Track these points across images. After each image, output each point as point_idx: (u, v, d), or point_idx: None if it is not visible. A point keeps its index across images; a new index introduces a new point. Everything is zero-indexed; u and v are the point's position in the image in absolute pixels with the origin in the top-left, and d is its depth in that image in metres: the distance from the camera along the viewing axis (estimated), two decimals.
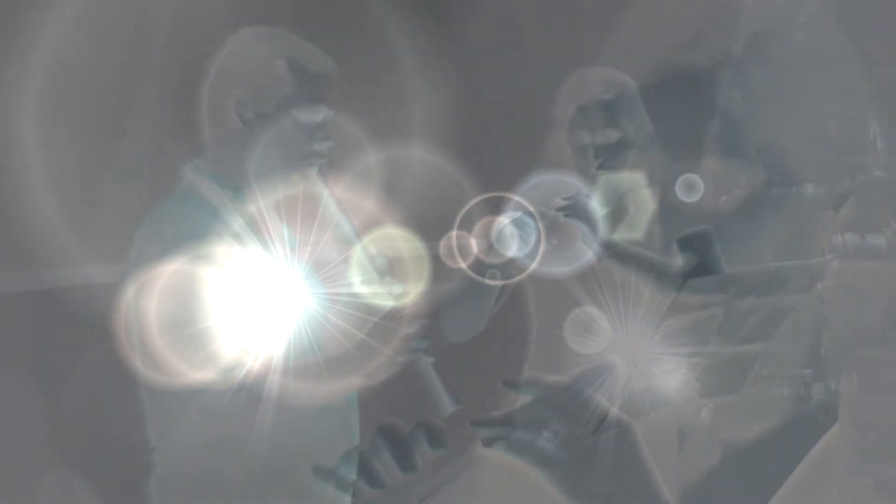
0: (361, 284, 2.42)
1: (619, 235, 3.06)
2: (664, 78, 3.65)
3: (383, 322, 2.34)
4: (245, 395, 2.26)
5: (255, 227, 2.39)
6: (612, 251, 3.03)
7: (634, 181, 3.08)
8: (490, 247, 2.86)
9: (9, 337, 3.12)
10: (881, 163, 4.06)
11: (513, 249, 2.87)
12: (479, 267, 2.89)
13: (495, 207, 2.90)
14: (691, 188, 3.09)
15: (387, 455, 2.42)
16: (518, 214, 2.89)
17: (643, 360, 2.86)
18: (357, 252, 2.43)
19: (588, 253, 3.06)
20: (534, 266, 2.89)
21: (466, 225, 2.87)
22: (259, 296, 2.30)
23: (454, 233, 2.85)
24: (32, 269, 3.16)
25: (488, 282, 2.89)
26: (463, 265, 2.86)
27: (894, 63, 3.95)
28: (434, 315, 2.41)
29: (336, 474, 2.36)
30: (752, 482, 3.05)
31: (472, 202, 2.90)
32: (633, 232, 3.07)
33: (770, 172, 4.06)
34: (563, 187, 3.02)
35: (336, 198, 2.44)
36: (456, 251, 2.86)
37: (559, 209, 3.03)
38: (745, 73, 4.00)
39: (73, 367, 3.17)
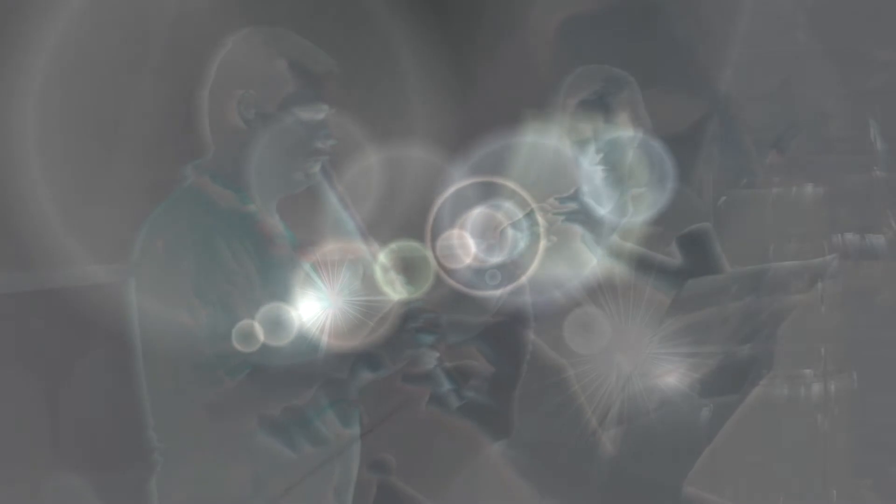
0: (366, 281, 2.43)
1: (619, 233, 3.06)
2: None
3: (388, 319, 2.34)
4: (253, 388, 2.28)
5: (259, 226, 2.40)
6: (611, 250, 3.03)
7: (634, 177, 3.08)
8: (488, 247, 2.86)
9: (9, 337, 3.12)
10: (881, 163, 4.08)
11: (510, 249, 2.87)
12: (479, 268, 2.88)
13: (489, 204, 2.90)
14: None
15: (329, 413, 2.42)
16: (514, 210, 2.89)
17: (643, 360, 2.86)
18: (361, 249, 2.43)
19: (587, 252, 3.06)
20: (534, 266, 2.89)
21: (463, 224, 2.87)
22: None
23: (451, 232, 2.85)
24: (32, 269, 3.16)
25: (488, 283, 2.89)
26: (459, 267, 2.86)
27: (894, 63, 3.97)
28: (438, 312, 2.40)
29: (284, 430, 2.35)
30: (684, 436, 3.05)
31: (453, 194, 2.90)
32: (631, 229, 3.07)
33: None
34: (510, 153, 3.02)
35: (339, 195, 2.45)
36: (452, 251, 2.86)
37: (556, 211, 3.03)
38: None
39: (73, 367, 3.17)
